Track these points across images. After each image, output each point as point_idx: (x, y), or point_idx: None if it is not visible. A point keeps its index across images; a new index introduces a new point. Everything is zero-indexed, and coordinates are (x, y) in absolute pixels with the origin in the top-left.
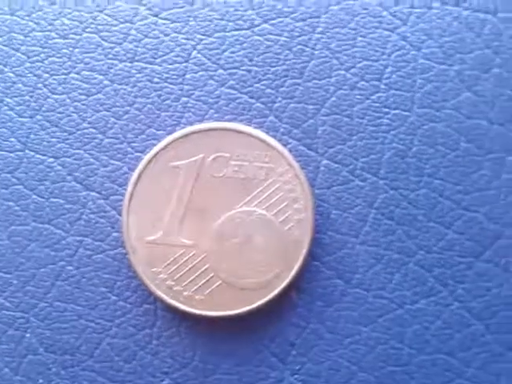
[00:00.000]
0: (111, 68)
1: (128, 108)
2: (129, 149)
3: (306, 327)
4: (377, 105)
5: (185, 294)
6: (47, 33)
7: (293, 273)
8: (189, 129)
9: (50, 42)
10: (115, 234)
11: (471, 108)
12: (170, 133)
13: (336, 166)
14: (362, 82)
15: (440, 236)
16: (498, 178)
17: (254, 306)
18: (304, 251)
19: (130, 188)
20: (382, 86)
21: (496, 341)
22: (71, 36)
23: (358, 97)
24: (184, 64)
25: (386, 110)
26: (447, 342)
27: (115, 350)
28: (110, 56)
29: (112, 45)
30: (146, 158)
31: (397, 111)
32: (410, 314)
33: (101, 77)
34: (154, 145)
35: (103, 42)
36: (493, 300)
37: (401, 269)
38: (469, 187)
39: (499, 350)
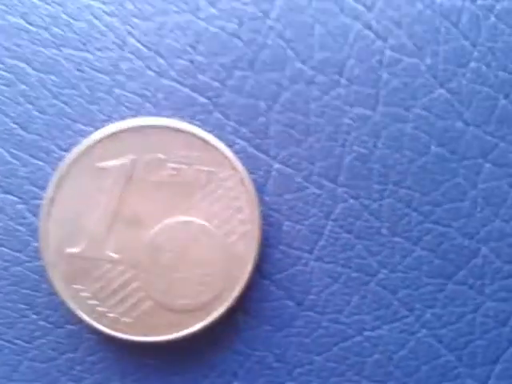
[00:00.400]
0: (37, 55)
1: (54, 101)
2: (53, 147)
3: (250, 355)
4: (336, 102)
5: (111, 315)
6: None
7: (236, 293)
8: (120, 125)
9: None
10: (35, 244)
11: (444, 107)
12: (99, 129)
13: (289, 170)
14: (320, 76)
15: (406, 253)
16: (474, 187)
17: (191, 330)
18: (249, 268)
19: (50, 191)
20: (343, 81)
21: (469, 374)
22: None
23: (316, 92)
24: (118, 52)
25: (347, 107)
26: (413, 374)
27: (34, 375)
28: (36, 42)
29: (39, 30)
30: (70, 157)
31: (359, 109)
32: (370, 342)
33: (25, 65)
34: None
35: (29, 27)
36: (466, 327)
37: (360, 289)
38: (440, 198)
39: None
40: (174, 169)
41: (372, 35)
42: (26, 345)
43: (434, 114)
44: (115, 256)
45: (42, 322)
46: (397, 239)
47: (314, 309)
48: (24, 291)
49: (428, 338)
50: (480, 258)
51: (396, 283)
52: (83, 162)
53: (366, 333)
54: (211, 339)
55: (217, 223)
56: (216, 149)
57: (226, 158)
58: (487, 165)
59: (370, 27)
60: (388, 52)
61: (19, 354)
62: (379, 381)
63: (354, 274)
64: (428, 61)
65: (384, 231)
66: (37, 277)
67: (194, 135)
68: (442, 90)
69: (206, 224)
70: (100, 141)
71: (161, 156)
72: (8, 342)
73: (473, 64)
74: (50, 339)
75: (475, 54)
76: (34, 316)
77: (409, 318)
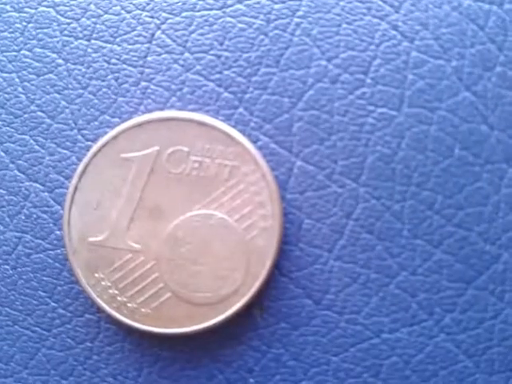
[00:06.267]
0: (66, 46)
1: (81, 91)
2: (79, 136)
3: (266, 352)
4: (361, 101)
5: (129, 305)
6: (0, 5)
7: (254, 288)
8: (145, 117)
9: (3, 15)
10: (58, 232)
11: (469, 110)
12: (125, 121)
13: (311, 168)
14: (345, 75)
15: (427, 256)
16: (497, 192)
17: (208, 324)
18: (268, 264)
19: (74, 180)
20: (368, 81)
21: (486, 382)
22: (26, 10)
23: (340, 91)
24: (146, 45)
25: (371, 107)
26: (430, 379)
27: (51, 363)
28: (66, 32)
29: (68, 20)
30: (95, 147)
31: (383, 110)
32: (387, 345)
33: (54, 55)
34: (107, 133)
35: (59, 17)
36: (485, 334)
37: (379, 291)
38: (462, 201)
39: None
40: (196, 162)
41: (398, 36)
42: (45, 332)
43: (459, 117)
44: (136, 246)
45: (61, 310)
46: (418, 241)
47: (332, 308)
48: (45, 279)
49: (446, 343)
50: (501, 264)
51: (416, 286)
52: (108, 153)
53: (384, 335)
54: (228, 334)
55: (237, 218)
56: (239, 144)
57: (249, 153)
58: (511, 170)
59: (396, 28)
60: (414, 53)
61: (37, 341)
62: None
63: (374, 275)
64: (454, 63)
65: (405, 233)
66: (58, 265)
67: (217, 129)
68: (467, 93)
69: (227, 218)
70: (124, 131)
71: (184, 149)
72: (26, 329)
73: (498, 68)
74: (68, 328)
75: (501, 57)
76: (54, 304)
77: (428, 322)
